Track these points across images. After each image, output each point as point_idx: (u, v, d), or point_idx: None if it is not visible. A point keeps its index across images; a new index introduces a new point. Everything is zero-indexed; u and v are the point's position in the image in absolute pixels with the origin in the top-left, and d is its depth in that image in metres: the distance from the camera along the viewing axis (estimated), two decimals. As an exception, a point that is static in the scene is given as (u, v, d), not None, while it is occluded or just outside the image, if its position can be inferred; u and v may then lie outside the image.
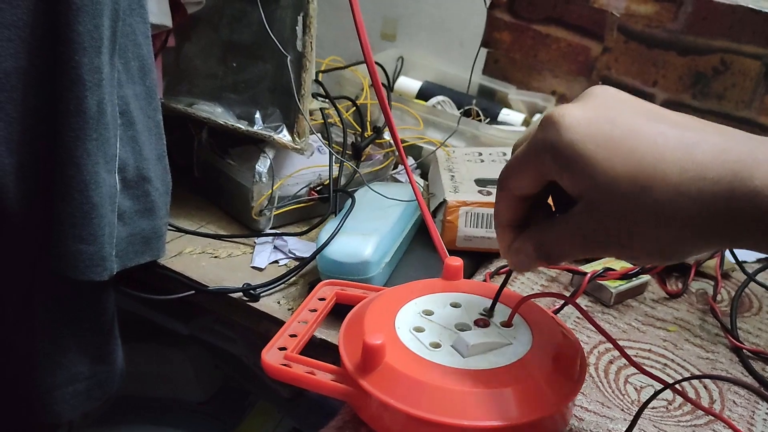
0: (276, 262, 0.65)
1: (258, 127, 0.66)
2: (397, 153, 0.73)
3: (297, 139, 0.66)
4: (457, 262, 0.52)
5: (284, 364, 0.46)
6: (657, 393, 0.45)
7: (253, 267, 0.64)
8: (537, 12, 0.89)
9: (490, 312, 0.47)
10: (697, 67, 0.83)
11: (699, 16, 0.81)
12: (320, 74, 0.83)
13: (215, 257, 0.65)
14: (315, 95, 0.73)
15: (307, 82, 0.65)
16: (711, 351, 0.58)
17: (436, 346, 0.44)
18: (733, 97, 0.82)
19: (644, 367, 0.46)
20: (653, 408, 0.50)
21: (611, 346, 0.54)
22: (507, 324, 0.47)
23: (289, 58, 0.64)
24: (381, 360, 0.42)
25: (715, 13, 0.80)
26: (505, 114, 0.88)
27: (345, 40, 0.82)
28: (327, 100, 0.75)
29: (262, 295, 0.60)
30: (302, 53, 0.64)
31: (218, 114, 0.67)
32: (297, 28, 0.64)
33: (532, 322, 0.47)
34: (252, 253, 0.66)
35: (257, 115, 0.66)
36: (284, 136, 0.65)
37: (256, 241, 0.67)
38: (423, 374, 0.42)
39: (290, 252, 0.66)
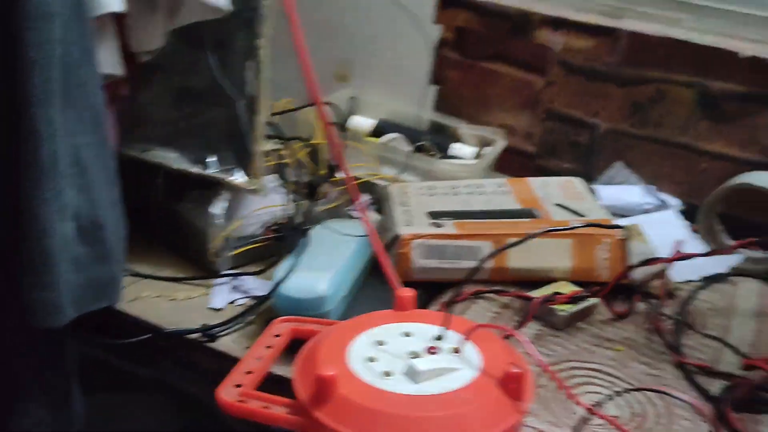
0: (234, 302, 0.66)
1: (212, 171, 0.67)
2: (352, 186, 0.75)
3: (252, 180, 0.67)
4: (408, 292, 0.53)
5: (240, 401, 0.46)
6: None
7: (211, 308, 0.64)
8: (483, 49, 0.93)
9: (440, 338, 0.49)
10: (635, 97, 0.87)
11: (633, 49, 0.85)
12: (275, 116, 0.85)
13: (173, 300, 0.65)
14: (269, 136, 0.75)
15: (259, 124, 0.67)
16: (657, 368, 0.60)
17: (389, 374, 0.46)
18: (670, 124, 0.86)
19: (594, 385, 0.48)
20: (599, 424, 0.52)
21: (564, 367, 0.56)
22: (458, 351, 0.48)
23: (241, 103, 0.66)
24: (333, 391, 0.44)
25: (648, 45, 0.84)
26: (455, 148, 0.91)
27: (299, 82, 0.84)
28: (281, 142, 0.77)
29: (219, 335, 0.60)
30: (254, 97, 0.66)
31: (173, 159, 0.69)
32: (248, 73, 0.66)
33: (483, 348, 0.49)
34: (209, 294, 0.66)
35: (212, 159, 0.68)
36: (239, 178, 0.67)
37: (213, 282, 0.68)
38: (375, 402, 0.43)
39: (247, 291, 0.67)
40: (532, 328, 0.63)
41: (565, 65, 0.89)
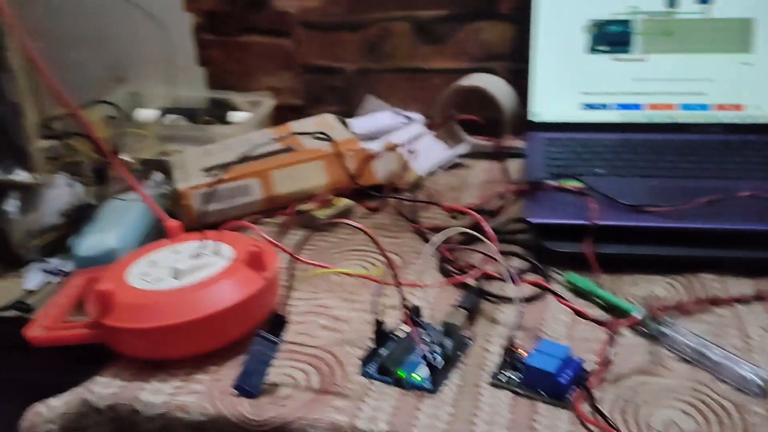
0: (48, 283, 0.75)
1: (-4, 175, 0.76)
2: (139, 170, 0.86)
3: (34, 175, 0.76)
4: (175, 223, 0.65)
5: (46, 334, 0.57)
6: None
7: (26, 289, 0.73)
8: (233, 26, 1.05)
9: (201, 247, 0.62)
10: (367, 38, 1.02)
11: (353, 0, 1.01)
12: (57, 121, 0.93)
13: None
14: (51, 136, 0.84)
15: (29, 126, 0.76)
16: (401, 237, 0.75)
17: (159, 280, 0.58)
18: (400, 54, 1.03)
19: (350, 260, 0.61)
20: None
21: (328, 254, 0.70)
22: (216, 251, 0.61)
23: (5, 109, 0.74)
24: (113, 300, 0.55)
25: (364, -7, 1.00)
26: (232, 116, 1.03)
27: (77, 83, 0.92)
28: (64, 138, 0.86)
29: (35, 307, 0.70)
30: (16, 103, 0.75)
31: (-42, 174, 0.76)
32: (5, 83, 0.75)
33: (237, 247, 0.62)
34: (22, 279, 0.75)
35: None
36: (21, 176, 0.76)
37: (24, 270, 0.76)
38: (147, 299, 0.55)
39: (58, 270, 0.76)
40: (299, 234, 0.77)
41: (305, 24, 1.03)
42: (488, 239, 0.57)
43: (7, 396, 0.70)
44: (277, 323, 0.53)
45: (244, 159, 0.85)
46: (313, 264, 0.57)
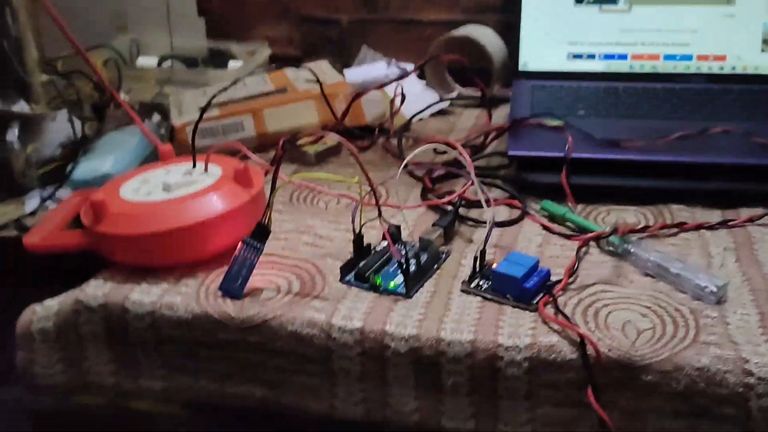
0: (48, 208, 0.78)
1: (-2, 105, 0.79)
2: (137, 111, 0.89)
3: (35, 107, 0.79)
4: (168, 146, 0.68)
5: (42, 242, 0.60)
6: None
7: (26, 213, 0.76)
8: (231, -24, 1.08)
9: (191, 167, 0.65)
10: (363, -10, 1.05)
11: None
12: (59, 61, 0.96)
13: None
14: (47, 71, 0.87)
15: (30, 60, 0.79)
16: (385, 170, 0.78)
17: (149, 193, 0.61)
18: (395, 6, 1.05)
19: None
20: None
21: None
22: (204, 170, 0.64)
23: (6, 42, 0.77)
24: (106, 210, 0.58)
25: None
26: (230, 64, 1.06)
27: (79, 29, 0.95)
28: (65, 77, 0.89)
29: (31, 226, 0.73)
30: (18, 37, 0.78)
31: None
32: (6, 18, 0.77)
33: (225, 167, 0.65)
34: (23, 206, 0.78)
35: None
36: (23, 107, 0.79)
37: (24, 197, 0.79)
38: (138, 209, 0.58)
39: (57, 199, 0.79)
40: (291, 168, 0.80)
41: (303, -27, 1.06)
42: (467, 166, 0.60)
43: (6, 317, 0.74)
44: (260, 232, 0.55)
45: (239, 99, 0.88)
46: (295, 183, 0.60)
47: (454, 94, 0.98)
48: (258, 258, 0.55)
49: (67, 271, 0.63)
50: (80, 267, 0.62)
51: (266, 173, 0.65)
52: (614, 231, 0.57)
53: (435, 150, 0.79)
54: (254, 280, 0.57)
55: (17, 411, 0.93)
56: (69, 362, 0.58)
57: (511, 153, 0.71)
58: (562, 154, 0.69)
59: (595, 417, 0.50)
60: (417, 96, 0.98)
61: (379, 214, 0.56)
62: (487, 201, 0.59)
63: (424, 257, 0.58)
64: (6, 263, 0.74)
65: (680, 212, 0.67)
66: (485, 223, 0.66)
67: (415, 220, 0.67)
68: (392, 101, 0.90)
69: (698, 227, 0.63)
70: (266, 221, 0.55)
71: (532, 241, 0.63)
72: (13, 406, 0.94)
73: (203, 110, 0.70)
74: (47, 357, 0.58)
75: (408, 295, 0.55)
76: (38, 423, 0.91)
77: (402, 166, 0.59)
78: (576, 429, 0.51)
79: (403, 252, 0.56)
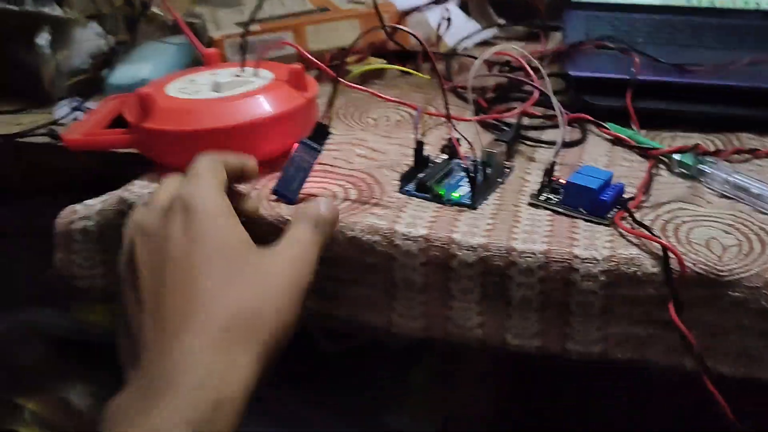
0: (75, 119, 0.74)
1: (28, 7, 0.75)
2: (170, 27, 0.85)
3: (67, 10, 0.75)
4: (213, 51, 0.65)
5: (83, 138, 0.57)
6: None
7: (56, 120, 0.73)
8: None
9: (241, 71, 0.61)
10: None
11: None
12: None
13: (19, 125, 0.73)
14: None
15: (63, -40, 0.74)
16: (430, 93, 0.74)
17: (198, 92, 0.57)
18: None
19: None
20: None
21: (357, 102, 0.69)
22: (256, 74, 0.60)
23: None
24: (154, 104, 0.55)
25: None
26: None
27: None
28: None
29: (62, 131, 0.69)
30: (51, -65, 0.73)
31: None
32: None
33: (274, 70, 0.61)
34: (53, 114, 0.75)
35: (25, -2, 0.75)
36: (55, 10, 0.75)
37: (55, 106, 0.76)
38: (187, 105, 0.55)
39: (87, 108, 0.76)
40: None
41: None
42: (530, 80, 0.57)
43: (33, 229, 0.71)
44: (320, 133, 0.52)
45: (278, 16, 0.83)
46: (353, 86, 0.57)
47: (499, 27, 0.94)
48: (316, 160, 0.52)
49: (105, 178, 0.59)
50: (120, 175, 0.59)
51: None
52: (694, 147, 0.53)
53: (489, 70, 0.75)
54: (307, 187, 0.54)
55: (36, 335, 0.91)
56: (110, 265, 0.55)
57: (572, 73, 0.68)
58: (627, 77, 0.65)
59: (671, 337, 0.47)
60: (459, 27, 0.94)
61: (448, 118, 0.52)
62: (561, 111, 0.56)
63: (488, 170, 0.55)
64: (36, 172, 0.71)
65: (750, 141, 0.63)
66: (547, 143, 0.62)
67: (472, 139, 0.63)
68: (438, 25, 0.86)
69: (771, 154, 0.60)
70: (327, 121, 0.51)
71: (597, 162, 0.59)
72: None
73: (252, 15, 0.66)
74: (88, 259, 0.55)
75: (474, 205, 0.52)
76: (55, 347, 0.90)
77: (471, 75, 0.55)
78: (650, 350, 0.48)
79: (470, 161, 0.53)
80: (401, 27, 0.53)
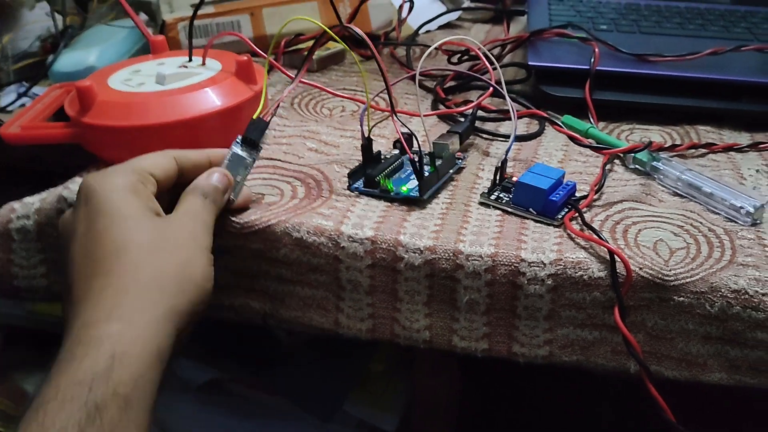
0: (23, 105, 0.72)
1: (-29, -13, 0.72)
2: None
3: (12, -9, 0.72)
4: (160, 37, 0.62)
5: (22, 133, 0.55)
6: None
7: (2, 108, 0.70)
8: None
9: (187, 61, 0.59)
10: None
11: None
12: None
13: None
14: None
15: (6, -62, 0.71)
16: (392, 79, 0.73)
17: (141, 84, 0.55)
18: None
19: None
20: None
21: (313, 91, 0.68)
22: (202, 64, 0.59)
23: None
24: (94, 98, 0.53)
25: None
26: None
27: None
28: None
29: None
30: None
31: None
32: None
33: (222, 60, 0.59)
34: (-2, 101, 0.72)
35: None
36: (-2, -10, 0.72)
37: (0, 94, 0.73)
38: (128, 98, 0.53)
39: (33, 95, 0.73)
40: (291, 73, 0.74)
41: None
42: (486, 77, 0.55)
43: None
44: (257, 127, 0.50)
45: (235, -3, 0.81)
46: (304, 83, 0.55)
47: (465, 5, 0.92)
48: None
49: (46, 177, 0.58)
50: (62, 168, 0.57)
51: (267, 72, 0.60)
52: (647, 145, 0.53)
53: (449, 60, 0.74)
54: (255, 184, 0.53)
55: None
56: (51, 264, 0.53)
57: (531, 63, 0.67)
58: (586, 67, 0.64)
59: (616, 340, 0.47)
60: (424, 8, 0.92)
61: (393, 113, 0.51)
62: (513, 110, 0.54)
63: (438, 162, 0.54)
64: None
65: (707, 133, 0.63)
66: (502, 136, 0.61)
67: (426, 132, 0.62)
68: (400, 9, 0.84)
69: (728, 148, 0.60)
70: (266, 116, 0.49)
71: (552, 157, 0.59)
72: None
73: (199, 4, 0.64)
74: (27, 258, 0.53)
75: (422, 197, 0.51)
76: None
77: (418, 70, 0.54)
78: (595, 352, 0.48)
79: (416, 157, 0.52)
80: (351, 27, 0.50)
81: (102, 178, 0.44)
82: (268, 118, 0.49)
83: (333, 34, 0.49)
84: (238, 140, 0.49)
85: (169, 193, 0.48)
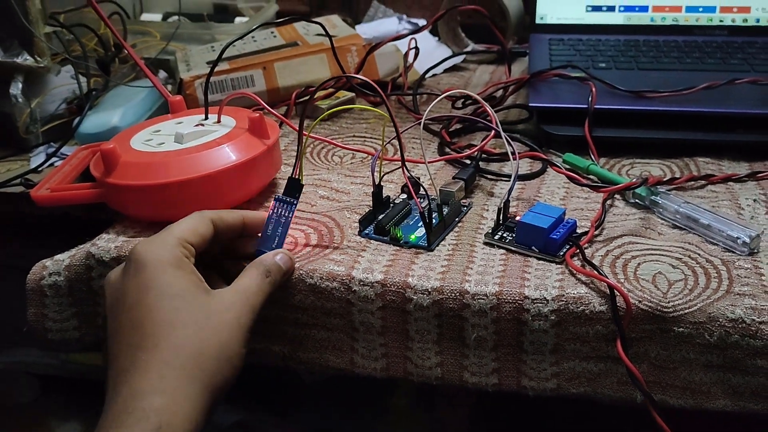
0: (52, 165, 0.76)
1: (0, 57, 0.76)
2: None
3: (39, 59, 0.77)
4: (178, 98, 0.66)
5: (51, 194, 0.58)
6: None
7: (31, 169, 0.74)
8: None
9: (203, 119, 0.62)
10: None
11: None
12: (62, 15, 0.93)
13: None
14: (51, 23, 0.84)
15: (33, 9, 0.76)
16: (402, 126, 0.76)
17: (161, 144, 0.59)
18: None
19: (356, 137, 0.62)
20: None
21: (332, 138, 0.71)
22: (217, 122, 0.62)
23: (9, -9, 0.75)
24: (117, 159, 0.56)
25: None
26: (237, 21, 1.03)
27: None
28: (68, 30, 0.86)
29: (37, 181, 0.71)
30: (21, -13, 0.75)
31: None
32: (9, -35, 0.74)
33: (236, 117, 0.63)
34: (29, 162, 0.76)
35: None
36: (27, 59, 0.76)
37: (30, 154, 0.77)
38: (151, 158, 0.56)
39: (63, 155, 0.77)
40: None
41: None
42: (488, 121, 0.58)
43: (13, 275, 0.72)
44: (293, 187, 0.53)
45: (248, 53, 0.85)
46: (314, 137, 0.58)
47: (468, 49, 0.95)
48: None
49: (77, 228, 0.61)
50: (90, 223, 0.61)
51: (279, 125, 0.63)
52: (644, 181, 0.55)
53: (452, 105, 0.77)
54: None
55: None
56: (82, 317, 0.56)
57: (532, 105, 0.69)
58: (585, 106, 0.67)
59: (621, 371, 0.48)
60: (430, 52, 0.95)
61: (403, 163, 0.54)
62: (513, 154, 0.57)
63: (445, 209, 0.56)
64: (13, 219, 0.73)
65: (706, 165, 0.65)
66: (506, 176, 0.64)
67: (434, 173, 0.65)
68: (406, 55, 0.87)
69: (726, 179, 0.61)
70: (297, 174, 0.52)
71: (555, 195, 0.61)
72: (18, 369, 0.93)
73: (216, 61, 0.68)
74: (60, 312, 0.56)
75: (430, 247, 0.53)
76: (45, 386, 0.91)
77: (423, 118, 0.57)
78: (602, 384, 0.49)
79: (425, 203, 0.54)
80: (359, 77, 0.53)
81: (150, 252, 0.46)
82: (299, 174, 0.52)
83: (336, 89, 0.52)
84: (277, 198, 0.52)
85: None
